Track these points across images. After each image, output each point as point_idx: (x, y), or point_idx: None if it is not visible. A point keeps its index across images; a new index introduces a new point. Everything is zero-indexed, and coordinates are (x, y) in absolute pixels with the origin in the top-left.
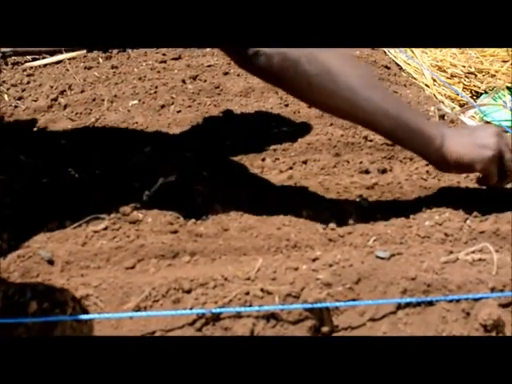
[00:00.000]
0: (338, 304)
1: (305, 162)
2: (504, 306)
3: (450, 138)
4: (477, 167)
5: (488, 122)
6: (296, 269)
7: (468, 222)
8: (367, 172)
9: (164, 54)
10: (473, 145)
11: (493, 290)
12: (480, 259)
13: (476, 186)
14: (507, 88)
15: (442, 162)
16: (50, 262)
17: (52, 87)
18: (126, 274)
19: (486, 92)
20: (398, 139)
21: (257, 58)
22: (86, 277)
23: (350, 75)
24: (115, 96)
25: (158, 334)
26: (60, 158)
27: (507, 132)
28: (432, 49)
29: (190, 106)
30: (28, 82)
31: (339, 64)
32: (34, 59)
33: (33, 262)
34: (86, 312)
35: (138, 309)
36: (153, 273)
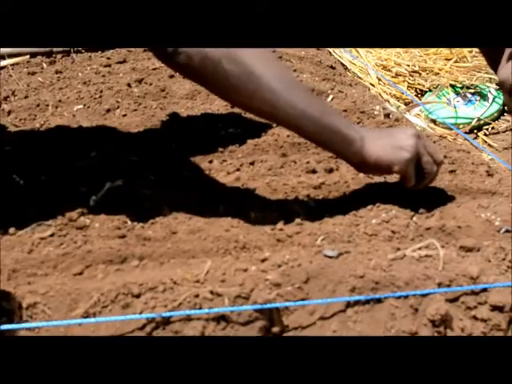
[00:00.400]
0: (287, 304)
1: (252, 163)
2: (451, 300)
3: (370, 140)
4: (395, 169)
5: (433, 121)
6: (245, 270)
7: (414, 218)
8: (314, 172)
9: (109, 58)
10: (391, 147)
11: (440, 285)
12: (427, 255)
13: None
14: (451, 86)
15: (362, 164)
16: None
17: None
18: (73, 280)
19: (430, 90)
20: (320, 141)
21: (177, 56)
22: (33, 284)
23: (272, 77)
24: (60, 101)
25: None
26: (4, 165)
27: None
28: (377, 48)
29: (135, 110)
30: None
31: (261, 65)
32: None
33: None
34: (34, 320)
35: (86, 315)
36: (101, 278)
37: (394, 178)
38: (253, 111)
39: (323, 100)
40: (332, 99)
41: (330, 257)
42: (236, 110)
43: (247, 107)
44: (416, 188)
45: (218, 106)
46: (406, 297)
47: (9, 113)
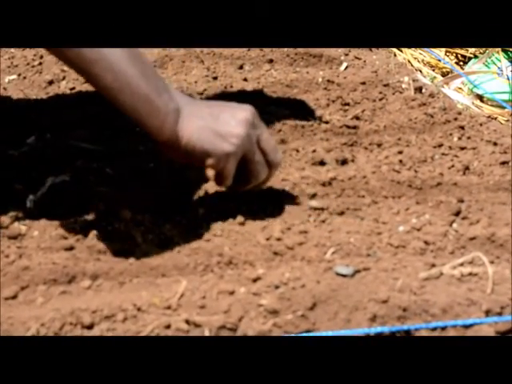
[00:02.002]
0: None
1: None
2: (503, 333)
3: (187, 115)
4: (208, 161)
5: (480, 97)
6: (232, 293)
7: (454, 225)
8: (322, 163)
9: None
10: (211, 131)
11: (488, 313)
12: (471, 273)
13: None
14: (502, 51)
15: (171, 145)
16: None
17: None
18: (5, 305)
19: (475, 56)
20: (122, 105)
21: None
22: None
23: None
24: None
25: None
26: None
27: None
28: None
29: (86, 82)
30: None
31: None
32: None
33: None
34: None
35: None
36: (41, 303)
37: (421, 173)
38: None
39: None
40: (346, 68)
41: (344, 275)
42: (219, 82)
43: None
44: (235, 190)
45: (195, 76)
46: (444, 328)
47: None
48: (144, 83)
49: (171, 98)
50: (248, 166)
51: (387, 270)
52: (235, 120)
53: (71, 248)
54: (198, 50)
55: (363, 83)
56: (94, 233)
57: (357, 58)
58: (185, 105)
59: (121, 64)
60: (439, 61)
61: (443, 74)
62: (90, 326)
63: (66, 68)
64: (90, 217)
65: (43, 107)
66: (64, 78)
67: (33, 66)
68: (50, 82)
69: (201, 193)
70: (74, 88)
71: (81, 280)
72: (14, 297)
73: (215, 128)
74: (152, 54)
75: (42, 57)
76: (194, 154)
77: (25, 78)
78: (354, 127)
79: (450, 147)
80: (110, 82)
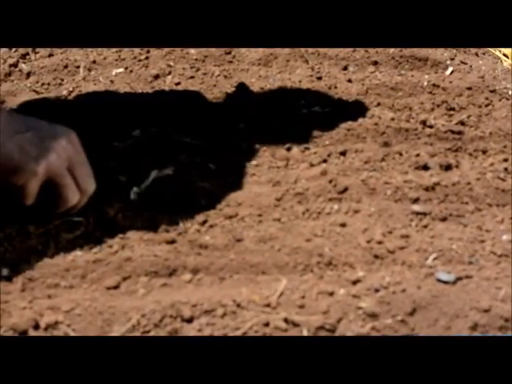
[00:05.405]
0: None
1: (343, 154)
2: None
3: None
4: (11, 177)
5: None
6: (331, 294)
7: None
8: (426, 168)
9: None
10: (20, 148)
11: None
12: None
13: None
14: None
15: None
16: (8, 279)
17: (11, 49)
18: (107, 295)
19: None
20: None
21: None
22: (54, 298)
23: None
24: (94, 62)
25: None
26: None
27: None
28: None
29: (192, 77)
30: None
31: None
32: None
33: None
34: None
35: None
36: (142, 295)
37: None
38: None
39: None
40: (452, 72)
41: (445, 282)
42: (323, 82)
43: None
44: (45, 213)
45: (299, 75)
46: None
47: (28, 75)
48: None
49: None
50: (56, 189)
51: (489, 278)
52: (47, 142)
53: (173, 241)
54: (302, 49)
55: (469, 88)
56: (195, 227)
57: (463, 62)
58: (3, 117)
59: None
60: None
61: None
62: (190, 320)
63: (171, 63)
64: (191, 211)
65: (148, 101)
66: (170, 73)
67: (139, 60)
68: (156, 77)
69: (300, 190)
70: (179, 83)
71: (181, 273)
72: (116, 287)
73: (24, 146)
74: (257, 52)
75: (148, 51)
76: None
77: (131, 71)
78: (459, 132)
79: None
80: None
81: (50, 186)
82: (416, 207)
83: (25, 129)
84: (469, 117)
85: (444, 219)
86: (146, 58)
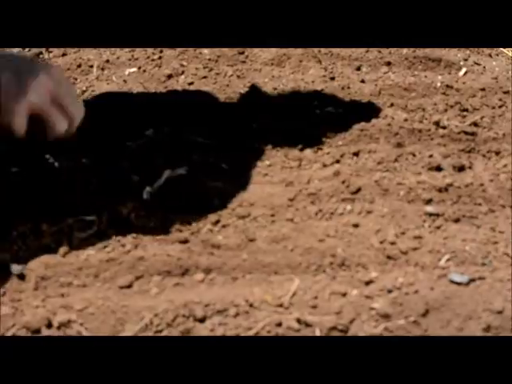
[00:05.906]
0: None
1: (356, 154)
2: None
3: None
4: None
5: None
6: (344, 294)
7: None
8: (439, 169)
9: None
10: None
11: None
12: None
13: None
14: None
15: None
16: (21, 277)
17: (24, 48)
18: (119, 294)
19: None
20: None
21: None
22: (67, 297)
23: None
24: (107, 61)
25: None
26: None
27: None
28: None
29: (205, 77)
30: None
31: None
32: None
33: None
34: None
35: None
36: (155, 294)
37: None
38: None
39: None
40: (465, 73)
41: (458, 283)
42: (336, 82)
43: None
44: (36, 141)
45: (312, 76)
46: None
47: None
48: None
49: None
50: (43, 121)
51: (503, 280)
52: (26, 80)
53: (185, 241)
54: (315, 49)
55: (483, 89)
56: (208, 227)
57: (476, 63)
58: None
59: None
60: None
61: None
62: (202, 320)
63: (185, 63)
64: (204, 211)
65: (161, 100)
66: (183, 73)
67: (153, 60)
68: (169, 76)
69: (313, 191)
70: (192, 83)
71: (194, 273)
72: (129, 286)
73: (3, 85)
74: (270, 52)
75: (161, 51)
76: None
77: (144, 71)
78: (472, 134)
79: None
80: None
81: (36, 120)
82: (429, 208)
83: (3, 68)
84: (482, 118)
85: (457, 220)
86: (159, 57)
